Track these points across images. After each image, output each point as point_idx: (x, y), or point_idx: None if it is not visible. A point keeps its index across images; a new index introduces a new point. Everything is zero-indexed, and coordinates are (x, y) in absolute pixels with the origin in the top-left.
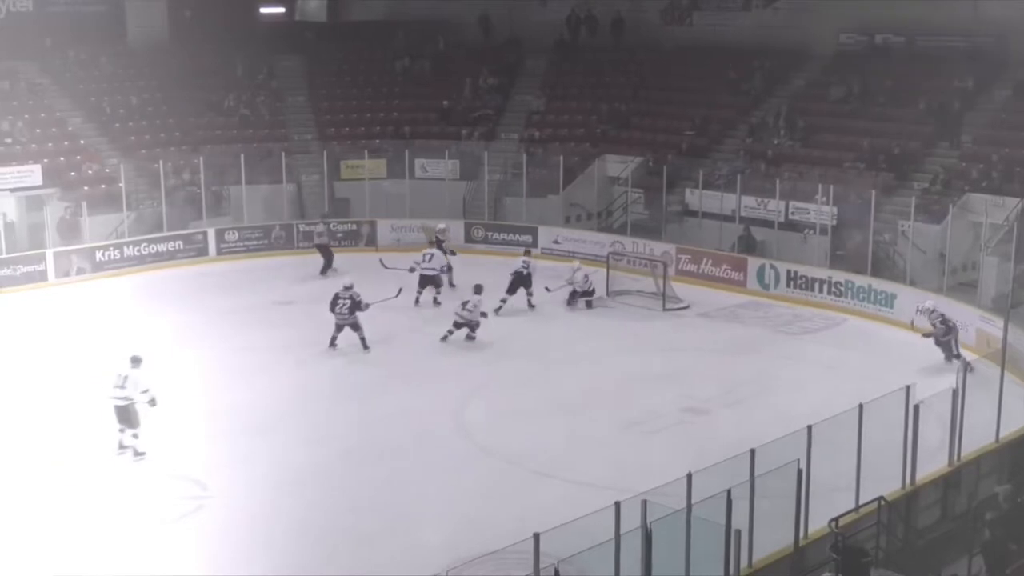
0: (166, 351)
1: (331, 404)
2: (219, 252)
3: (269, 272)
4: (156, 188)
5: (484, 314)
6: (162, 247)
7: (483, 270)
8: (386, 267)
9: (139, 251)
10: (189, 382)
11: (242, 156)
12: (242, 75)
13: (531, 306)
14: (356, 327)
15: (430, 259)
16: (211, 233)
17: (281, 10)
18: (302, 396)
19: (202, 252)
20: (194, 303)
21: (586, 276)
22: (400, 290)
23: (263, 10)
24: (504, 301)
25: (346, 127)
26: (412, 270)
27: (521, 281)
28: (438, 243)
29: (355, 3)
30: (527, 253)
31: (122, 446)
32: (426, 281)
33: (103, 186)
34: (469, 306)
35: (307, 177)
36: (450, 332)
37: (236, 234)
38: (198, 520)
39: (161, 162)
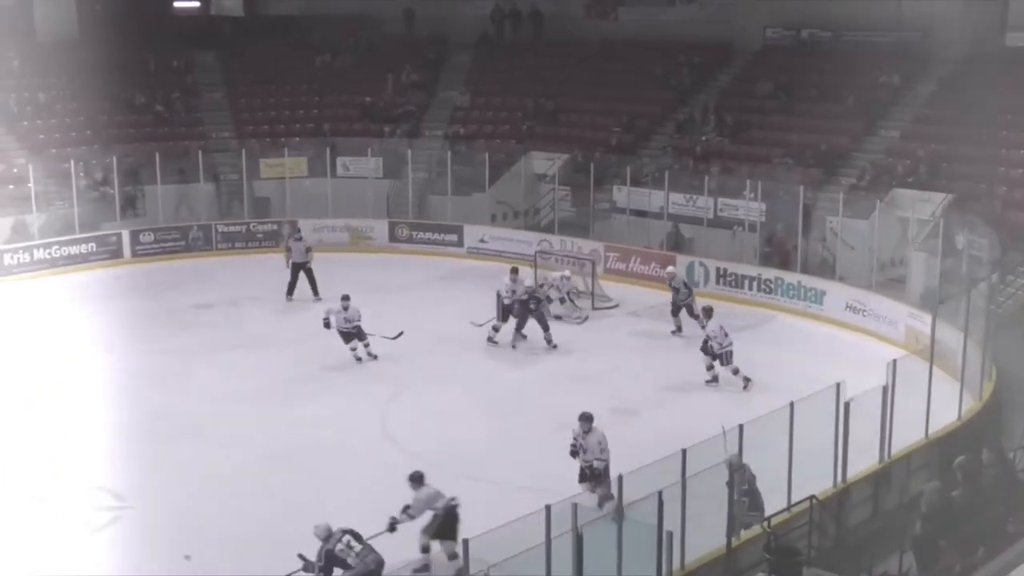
0: (81, 356)
1: (252, 408)
2: (134, 254)
3: (186, 274)
4: (67, 188)
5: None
6: (74, 249)
7: (409, 270)
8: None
9: (50, 254)
10: (105, 388)
11: (157, 155)
12: (156, 71)
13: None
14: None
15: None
16: (125, 235)
17: (196, 4)
18: (223, 400)
19: (116, 254)
20: (109, 307)
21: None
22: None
23: (177, 4)
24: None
25: (265, 124)
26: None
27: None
28: None
29: None
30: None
31: None
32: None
33: (11, 187)
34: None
35: (225, 176)
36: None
37: (152, 235)
38: (115, 532)
39: (72, 161)
